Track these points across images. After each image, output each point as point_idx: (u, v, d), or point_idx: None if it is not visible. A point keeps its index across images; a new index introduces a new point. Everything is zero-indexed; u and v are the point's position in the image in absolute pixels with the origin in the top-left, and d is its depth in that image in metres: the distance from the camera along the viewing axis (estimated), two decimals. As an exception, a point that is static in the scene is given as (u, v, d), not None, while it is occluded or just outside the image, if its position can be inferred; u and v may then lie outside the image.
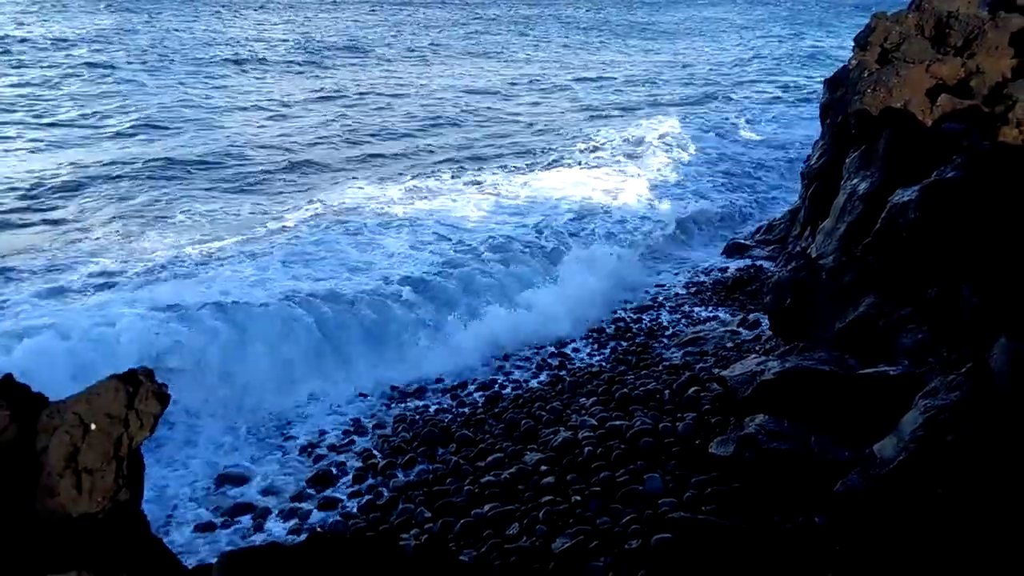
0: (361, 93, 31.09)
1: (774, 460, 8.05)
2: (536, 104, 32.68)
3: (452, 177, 22.65)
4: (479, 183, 21.83)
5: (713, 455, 8.61)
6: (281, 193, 20.77)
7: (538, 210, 19.55)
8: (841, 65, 19.87)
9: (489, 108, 30.48)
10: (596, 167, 23.70)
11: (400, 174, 22.75)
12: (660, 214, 19.99)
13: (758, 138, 28.10)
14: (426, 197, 20.52)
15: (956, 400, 6.90)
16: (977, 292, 7.59)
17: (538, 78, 36.99)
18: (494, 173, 22.86)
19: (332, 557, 3.36)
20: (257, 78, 32.78)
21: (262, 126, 26.49)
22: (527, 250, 16.91)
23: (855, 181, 13.32)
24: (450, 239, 17.31)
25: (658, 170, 23.44)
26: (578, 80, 37.22)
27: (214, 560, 3.73)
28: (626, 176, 22.58)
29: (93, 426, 3.97)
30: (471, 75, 36.26)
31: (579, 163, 24.26)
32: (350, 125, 27.13)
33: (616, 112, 31.85)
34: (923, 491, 6.64)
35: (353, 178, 22.09)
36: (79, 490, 3.82)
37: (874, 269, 10.13)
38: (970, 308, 7.77)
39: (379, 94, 31.85)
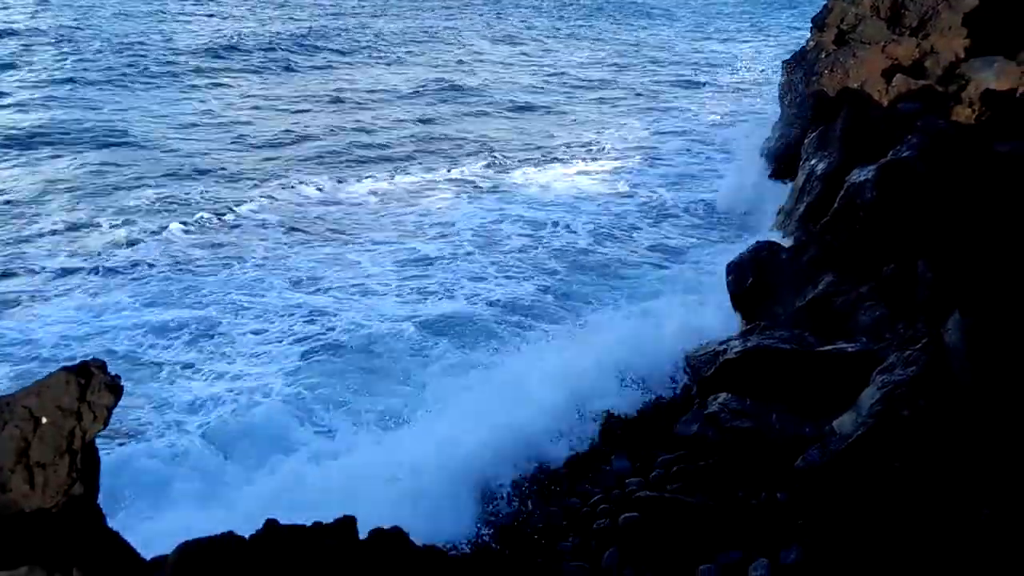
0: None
1: (737, 438, 8.18)
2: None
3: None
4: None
5: (678, 434, 8.72)
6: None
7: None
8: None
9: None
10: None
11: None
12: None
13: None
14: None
15: (912, 375, 7.07)
16: (932, 268, 7.77)
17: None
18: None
19: (288, 547, 3.35)
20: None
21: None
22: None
23: (813, 162, 13.54)
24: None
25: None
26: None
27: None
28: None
29: (44, 420, 3.89)
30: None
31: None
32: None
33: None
34: (881, 465, 6.81)
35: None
36: (31, 485, 3.74)
37: (833, 248, 10.31)
38: (925, 284, 7.96)
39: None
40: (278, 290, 13.78)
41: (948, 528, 6.27)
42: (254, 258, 15.15)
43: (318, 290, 13.85)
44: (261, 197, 18.43)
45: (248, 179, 19.91)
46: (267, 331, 12.33)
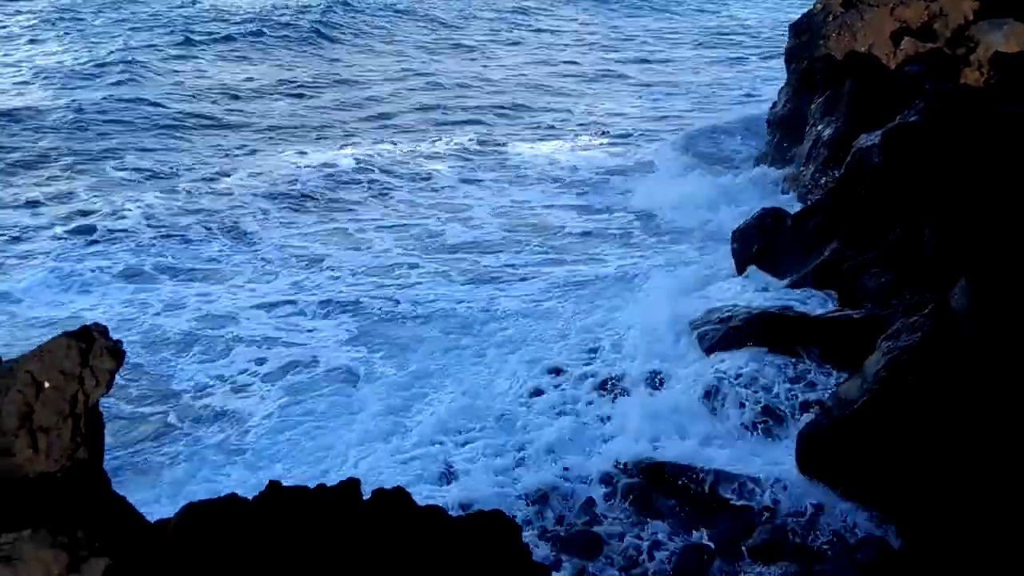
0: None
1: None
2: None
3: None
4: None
5: (682, 401, 8.73)
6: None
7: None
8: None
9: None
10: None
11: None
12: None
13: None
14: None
15: (918, 341, 7.04)
16: (938, 234, 7.71)
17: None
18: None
19: (292, 508, 3.37)
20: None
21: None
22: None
23: (820, 127, 13.39)
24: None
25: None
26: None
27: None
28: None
29: (47, 384, 3.91)
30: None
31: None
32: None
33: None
34: (886, 430, 6.81)
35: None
36: (35, 449, 3.77)
37: (838, 214, 10.24)
38: (931, 250, 7.90)
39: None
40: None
41: (952, 491, 6.29)
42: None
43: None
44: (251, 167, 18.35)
45: (238, 148, 19.79)
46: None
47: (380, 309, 11.74)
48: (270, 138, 20.72)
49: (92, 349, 3.98)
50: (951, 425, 6.50)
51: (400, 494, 3.53)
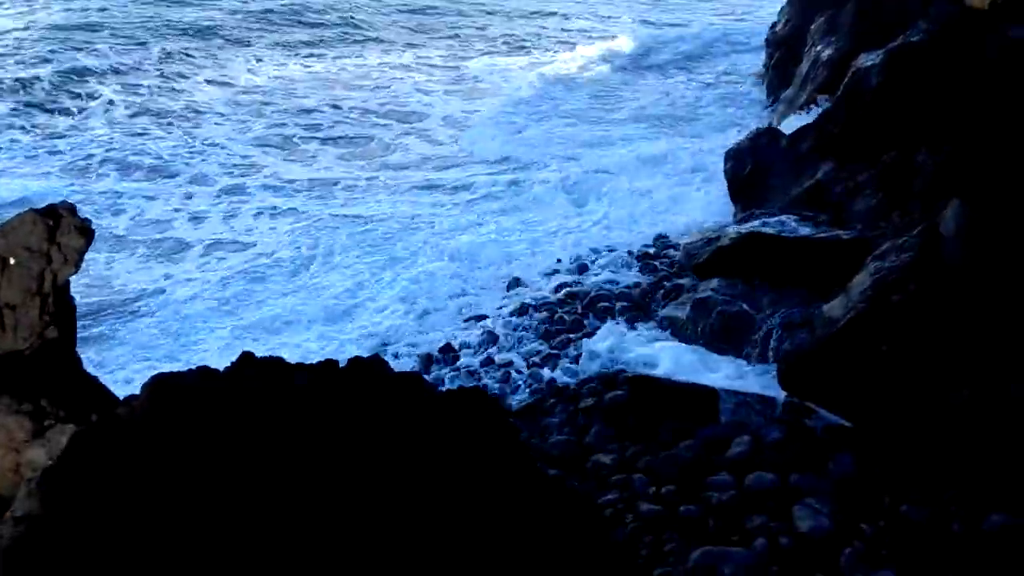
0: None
1: (727, 321, 8.22)
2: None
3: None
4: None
5: (667, 318, 8.76)
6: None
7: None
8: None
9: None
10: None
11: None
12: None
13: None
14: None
15: (905, 261, 7.03)
16: (933, 156, 7.61)
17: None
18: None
19: (265, 379, 3.35)
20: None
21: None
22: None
23: (820, 48, 13.10)
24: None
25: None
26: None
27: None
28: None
29: (11, 260, 3.84)
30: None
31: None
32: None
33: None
34: (869, 349, 6.86)
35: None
36: (2, 327, 3.73)
37: (833, 136, 10.09)
38: (924, 173, 7.82)
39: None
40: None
41: (931, 409, 6.38)
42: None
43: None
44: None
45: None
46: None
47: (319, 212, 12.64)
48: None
49: (59, 226, 3.88)
50: (933, 344, 6.55)
51: (377, 361, 3.50)
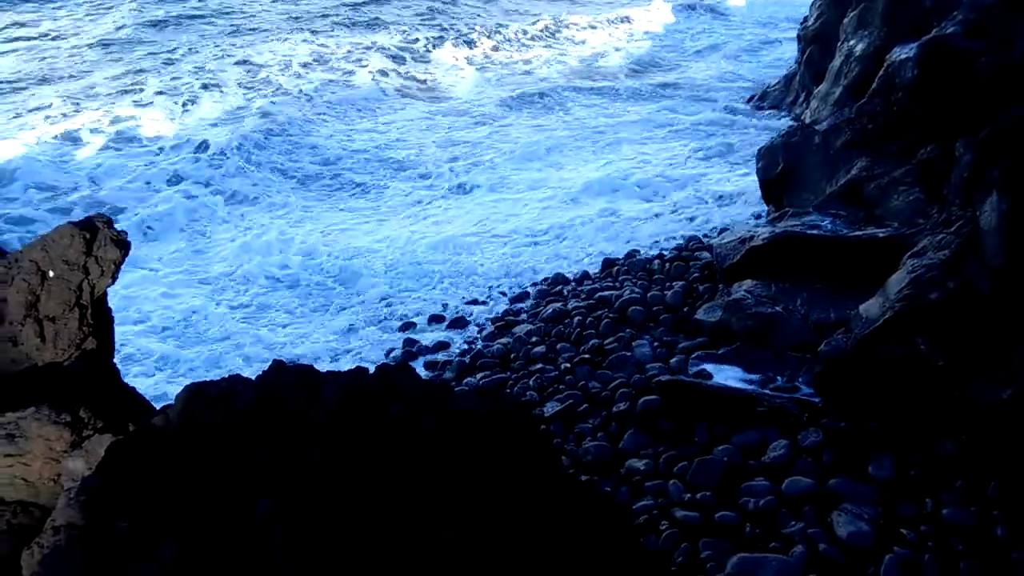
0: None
1: (760, 323, 8.11)
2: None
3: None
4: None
5: (699, 321, 8.66)
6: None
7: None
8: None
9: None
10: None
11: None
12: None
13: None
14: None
15: (943, 259, 6.88)
16: (970, 148, 7.42)
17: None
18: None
19: (292, 387, 3.36)
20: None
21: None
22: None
23: (852, 42, 12.88)
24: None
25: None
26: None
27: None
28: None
29: (51, 273, 3.90)
30: None
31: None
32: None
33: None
34: (906, 349, 6.71)
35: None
36: (42, 339, 3.80)
37: (867, 131, 9.92)
38: (963, 166, 7.61)
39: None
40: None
41: (968, 409, 6.23)
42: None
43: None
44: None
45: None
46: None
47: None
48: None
49: (96, 239, 3.95)
50: (972, 343, 6.39)
51: (405, 369, 3.50)
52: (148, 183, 13.95)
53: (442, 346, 9.45)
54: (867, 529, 5.77)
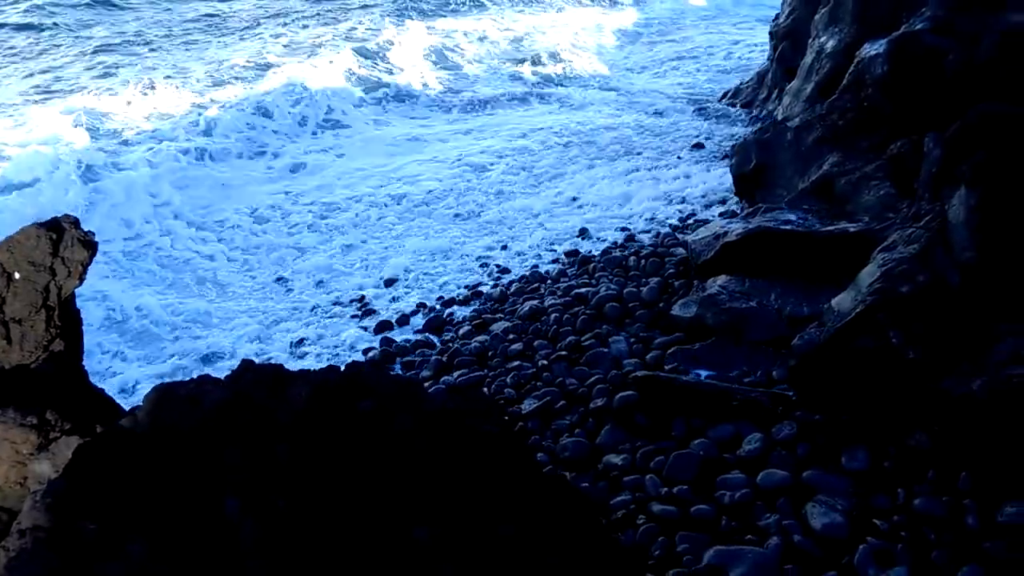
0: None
1: (735, 318, 8.16)
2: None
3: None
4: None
5: (675, 317, 8.70)
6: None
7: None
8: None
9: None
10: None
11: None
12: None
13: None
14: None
15: (913, 252, 6.95)
16: (939, 143, 7.51)
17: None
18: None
19: (262, 385, 3.33)
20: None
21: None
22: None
23: (823, 39, 12.99)
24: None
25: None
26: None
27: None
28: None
29: (17, 275, 3.84)
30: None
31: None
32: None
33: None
34: (879, 342, 6.78)
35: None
36: (9, 341, 3.74)
37: (838, 127, 10.02)
38: (932, 161, 7.71)
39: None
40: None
41: (939, 401, 6.30)
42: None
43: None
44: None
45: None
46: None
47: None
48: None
49: (62, 239, 3.89)
50: (943, 335, 6.47)
51: (375, 368, 3.49)
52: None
53: (419, 345, 9.41)
54: (841, 520, 5.82)
